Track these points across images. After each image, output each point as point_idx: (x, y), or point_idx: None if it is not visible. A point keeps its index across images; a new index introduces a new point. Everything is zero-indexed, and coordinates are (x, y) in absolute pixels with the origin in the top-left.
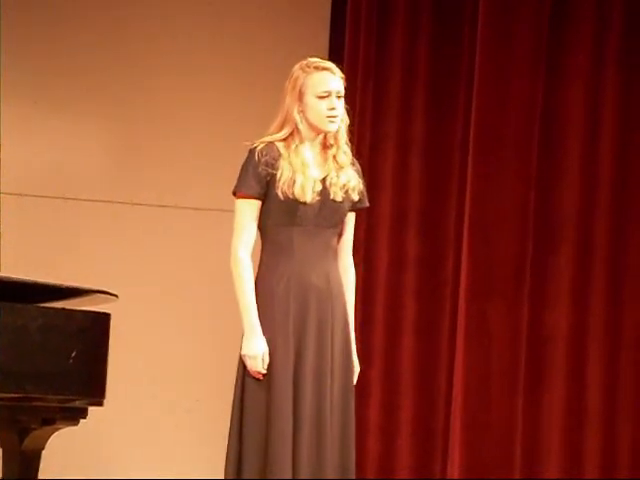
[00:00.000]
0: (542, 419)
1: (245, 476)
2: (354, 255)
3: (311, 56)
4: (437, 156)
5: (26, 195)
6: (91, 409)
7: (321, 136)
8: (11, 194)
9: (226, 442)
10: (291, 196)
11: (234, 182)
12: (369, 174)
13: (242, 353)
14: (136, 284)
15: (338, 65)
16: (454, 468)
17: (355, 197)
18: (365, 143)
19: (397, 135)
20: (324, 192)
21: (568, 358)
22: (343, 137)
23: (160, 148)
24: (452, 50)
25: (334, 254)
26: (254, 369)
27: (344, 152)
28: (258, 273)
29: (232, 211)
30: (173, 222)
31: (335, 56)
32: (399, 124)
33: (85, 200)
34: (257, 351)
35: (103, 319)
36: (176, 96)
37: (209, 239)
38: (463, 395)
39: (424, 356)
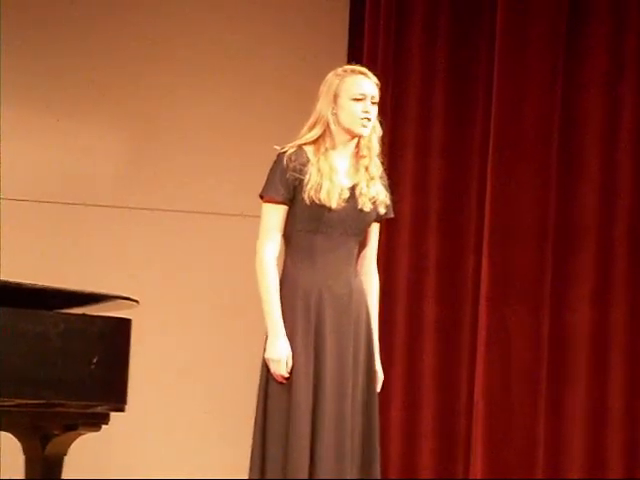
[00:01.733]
0: (564, 421)
1: (269, 477)
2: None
3: (330, 61)
4: (457, 159)
5: (41, 201)
6: (112, 414)
7: (353, 144)
8: (24, 200)
9: (247, 444)
10: (317, 201)
11: (256, 186)
12: (388, 176)
13: (266, 357)
14: (152, 288)
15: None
16: (476, 469)
17: (382, 210)
18: (385, 146)
19: (416, 138)
20: (352, 201)
21: (589, 360)
22: (376, 148)
23: (178, 152)
24: (471, 53)
25: (355, 262)
26: (278, 372)
27: (375, 164)
28: (281, 278)
29: (252, 216)
30: (192, 227)
31: (354, 60)
32: (418, 127)
33: (101, 206)
34: (281, 355)
35: (124, 325)
36: (191, 98)
37: (229, 244)
38: (485, 397)
39: (445, 359)
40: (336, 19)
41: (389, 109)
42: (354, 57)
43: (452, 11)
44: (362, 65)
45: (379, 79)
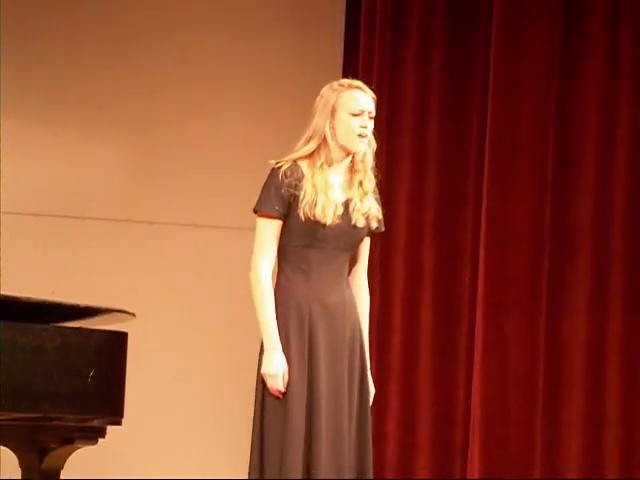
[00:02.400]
0: (561, 430)
1: None
2: (371, 268)
3: (325, 71)
4: (452, 168)
5: (39, 215)
6: (109, 427)
7: (348, 159)
8: (22, 214)
9: (245, 455)
10: (312, 217)
11: (253, 200)
12: (385, 186)
13: (262, 372)
14: (151, 302)
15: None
16: (473, 478)
17: (374, 225)
18: (380, 156)
19: (412, 148)
20: (346, 216)
21: (586, 369)
22: (370, 162)
23: (175, 166)
24: (466, 61)
25: (347, 276)
26: (274, 387)
27: (369, 178)
28: (275, 291)
29: (250, 229)
30: (190, 240)
31: (349, 68)
32: (414, 137)
33: (99, 219)
34: (277, 370)
35: (120, 338)
36: (191, 112)
37: (226, 257)
38: (481, 408)
39: (442, 368)
40: (331, 28)
41: (384, 119)
42: (349, 69)
43: (447, 20)
44: (357, 76)
45: (374, 89)
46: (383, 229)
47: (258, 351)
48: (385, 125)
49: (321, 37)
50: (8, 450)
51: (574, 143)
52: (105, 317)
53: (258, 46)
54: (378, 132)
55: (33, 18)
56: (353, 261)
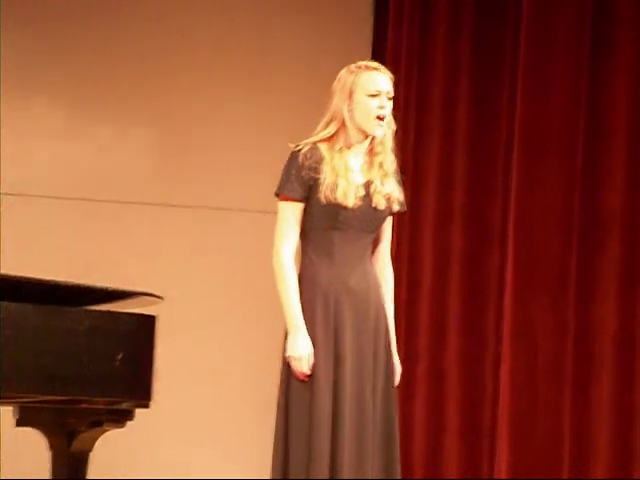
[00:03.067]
0: (590, 416)
1: (291, 477)
2: (399, 252)
3: (355, 51)
4: (482, 151)
5: (67, 198)
6: (137, 411)
7: (368, 142)
8: (46, 196)
9: (271, 441)
10: (333, 201)
11: (276, 184)
12: (413, 169)
13: (287, 355)
14: (179, 286)
15: (384, 64)
16: (501, 467)
17: (395, 207)
18: (409, 139)
19: (441, 131)
20: (367, 199)
21: (615, 354)
22: (389, 143)
23: (200, 149)
24: (496, 44)
25: (370, 257)
26: (299, 370)
27: (390, 160)
28: (299, 276)
29: (274, 212)
30: (214, 224)
31: (378, 51)
32: (443, 122)
33: (129, 202)
34: (302, 352)
35: (149, 321)
36: (215, 95)
37: (250, 241)
38: (510, 393)
39: (470, 353)
40: (360, 10)
41: (414, 103)
42: (378, 49)
43: (477, 5)
44: (385, 60)
45: (403, 73)
46: (405, 209)
47: (283, 336)
48: (414, 110)
49: (350, 20)
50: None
51: (604, 130)
52: (133, 300)
53: (287, 32)
54: (407, 115)
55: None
56: (376, 241)
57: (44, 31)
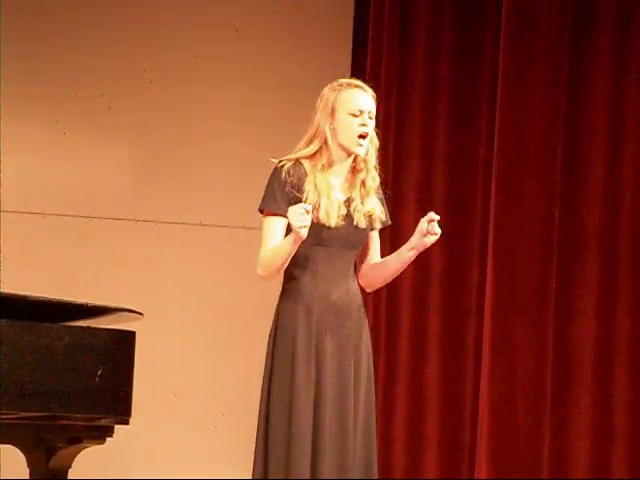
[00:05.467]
0: (569, 433)
1: None
2: None
3: (334, 68)
4: (461, 169)
5: (47, 214)
6: (117, 426)
7: (350, 160)
8: (27, 212)
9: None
10: (315, 220)
11: (258, 200)
12: (393, 187)
13: (293, 225)
14: (158, 301)
15: (364, 81)
16: None
17: (377, 226)
18: (388, 158)
19: (420, 148)
20: (348, 217)
21: (594, 372)
22: (372, 161)
23: (181, 165)
24: (474, 64)
25: (353, 273)
26: (299, 217)
27: (372, 177)
28: (281, 290)
29: (256, 228)
30: (196, 240)
31: (358, 69)
32: (422, 139)
33: (107, 218)
34: (291, 212)
35: (128, 337)
36: (197, 112)
37: (232, 256)
38: (489, 410)
39: (449, 371)
40: (340, 30)
41: (393, 121)
42: (357, 70)
43: (456, 23)
44: (365, 77)
45: (383, 90)
46: (389, 223)
47: (265, 352)
48: (394, 127)
49: (329, 40)
50: (12, 449)
51: (583, 147)
52: (113, 316)
53: (267, 52)
54: (386, 135)
55: (39, 15)
56: (363, 255)
57: (21, 50)
